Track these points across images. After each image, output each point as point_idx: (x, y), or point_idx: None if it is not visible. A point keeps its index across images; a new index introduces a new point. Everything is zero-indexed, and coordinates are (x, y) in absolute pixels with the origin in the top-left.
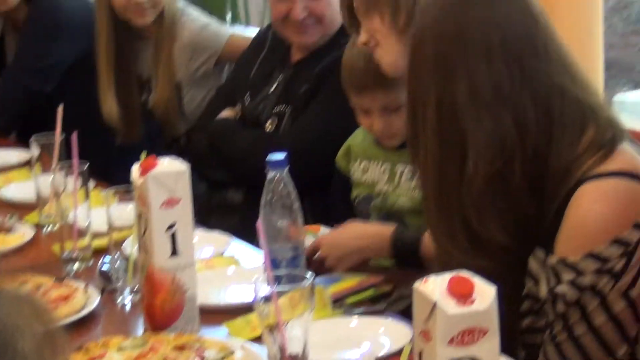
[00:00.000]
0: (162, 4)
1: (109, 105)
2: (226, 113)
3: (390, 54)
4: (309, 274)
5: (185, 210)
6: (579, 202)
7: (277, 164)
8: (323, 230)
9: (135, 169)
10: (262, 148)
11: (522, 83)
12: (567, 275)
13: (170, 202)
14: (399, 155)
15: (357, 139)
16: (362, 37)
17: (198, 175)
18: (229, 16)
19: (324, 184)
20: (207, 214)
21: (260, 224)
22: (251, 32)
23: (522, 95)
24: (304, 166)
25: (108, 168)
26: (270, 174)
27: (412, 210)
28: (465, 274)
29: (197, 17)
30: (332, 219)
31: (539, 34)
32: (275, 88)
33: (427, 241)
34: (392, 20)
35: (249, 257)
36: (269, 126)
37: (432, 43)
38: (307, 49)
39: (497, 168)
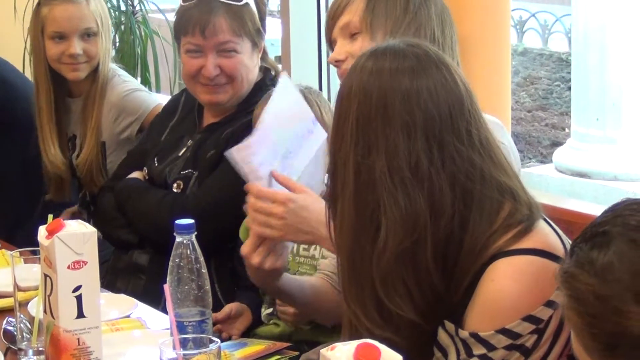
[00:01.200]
0: (96, 60)
1: (54, 156)
2: (135, 174)
3: None
4: (216, 339)
5: (91, 272)
6: (492, 278)
7: (185, 228)
8: None
9: (42, 230)
10: (167, 207)
11: (442, 164)
12: (478, 350)
13: (77, 264)
14: None
15: None
16: (339, 55)
17: (104, 236)
18: (138, 80)
19: (229, 246)
20: (114, 276)
21: (167, 288)
22: (160, 97)
23: (440, 176)
24: (208, 227)
25: (11, 228)
26: (178, 238)
27: None
28: (372, 341)
29: (128, 80)
30: (237, 283)
31: (463, 116)
32: (183, 152)
33: None
34: None
35: (155, 320)
36: (175, 189)
37: (356, 104)
38: (217, 113)
39: (407, 246)
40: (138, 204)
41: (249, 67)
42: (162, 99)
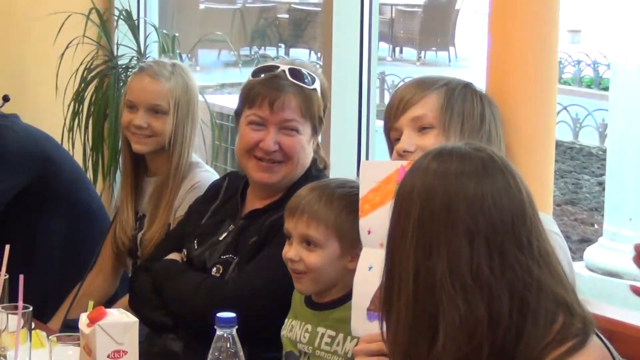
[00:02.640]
0: (162, 138)
1: (124, 231)
2: (172, 256)
3: None
4: None
5: None
6: None
7: (227, 322)
8: None
9: (84, 318)
10: (206, 292)
11: (502, 273)
12: None
13: (117, 354)
14: (321, 317)
15: (295, 296)
16: (409, 146)
17: (138, 317)
18: None
19: (264, 335)
20: None
21: None
22: None
23: (499, 284)
24: (246, 315)
25: (44, 306)
26: (219, 332)
27: None
28: None
29: (211, 178)
30: None
31: (525, 226)
32: (224, 237)
33: None
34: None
35: None
36: (214, 273)
37: (419, 204)
38: (262, 196)
39: (465, 352)
40: (175, 286)
41: (306, 151)
42: None
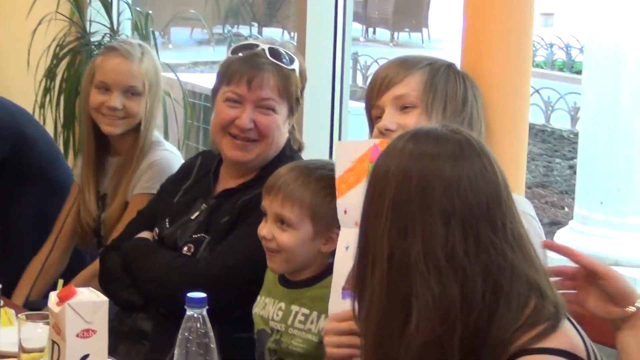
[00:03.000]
0: (135, 120)
1: (87, 212)
2: (144, 234)
3: None
4: None
5: (100, 341)
6: None
7: (197, 302)
8: None
9: (53, 296)
10: (177, 271)
11: (476, 255)
12: None
13: (86, 333)
14: (295, 296)
15: (268, 274)
16: (390, 124)
17: (108, 296)
18: None
19: (235, 315)
20: (116, 340)
21: None
22: None
23: (473, 267)
24: (217, 294)
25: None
26: (189, 312)
27: (305, 355)
28: None
29: (169, 157)
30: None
31: (500, 209)
32: (197, 216)
33: None
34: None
35: None
36: (185, 252)
37: (394, 185)
38: (235, 175)
39: (438, 334)
40: (146, 265)
41: (281, 131)
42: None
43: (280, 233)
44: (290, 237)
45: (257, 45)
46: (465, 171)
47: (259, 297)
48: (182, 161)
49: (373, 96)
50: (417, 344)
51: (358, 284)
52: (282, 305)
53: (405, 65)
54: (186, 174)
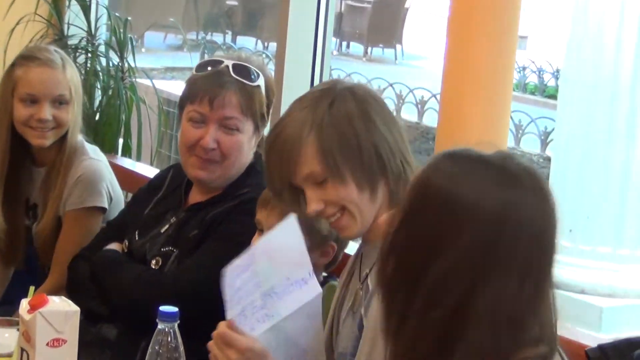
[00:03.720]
0: (64, 129)
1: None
2: (113, 246)
3: (361, 222)
4: None
5: (70, 351)
6: None
7: (169, 316)
8: None
9: (24, 304)
10: (145, 285)
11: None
12: None
13: (57, 342)
14: None
15: None
16: (317, 205)
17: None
18: (120, 142)
19: (204, 330)
20: (79, 349)
21: None
22: (140, 167)
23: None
24: (184, 308)
25: None
26: (160, 325)
27: None
28: None
29: (94, 158)
30: None
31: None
32: (166, 229)
33: None
34: (371, 192)
35: None
36: (153, 265)
37: (480, 226)
38: (204, 191)
39: None
40: (115, 277)
41: (245, 150)
42: (141, 168)
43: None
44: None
45: (222, 62)
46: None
47: None
48: (107, 164)
49: (284, 178)
50: None
51: (397, 312)
52: None
53: (292, 135)
54: (158, 186)
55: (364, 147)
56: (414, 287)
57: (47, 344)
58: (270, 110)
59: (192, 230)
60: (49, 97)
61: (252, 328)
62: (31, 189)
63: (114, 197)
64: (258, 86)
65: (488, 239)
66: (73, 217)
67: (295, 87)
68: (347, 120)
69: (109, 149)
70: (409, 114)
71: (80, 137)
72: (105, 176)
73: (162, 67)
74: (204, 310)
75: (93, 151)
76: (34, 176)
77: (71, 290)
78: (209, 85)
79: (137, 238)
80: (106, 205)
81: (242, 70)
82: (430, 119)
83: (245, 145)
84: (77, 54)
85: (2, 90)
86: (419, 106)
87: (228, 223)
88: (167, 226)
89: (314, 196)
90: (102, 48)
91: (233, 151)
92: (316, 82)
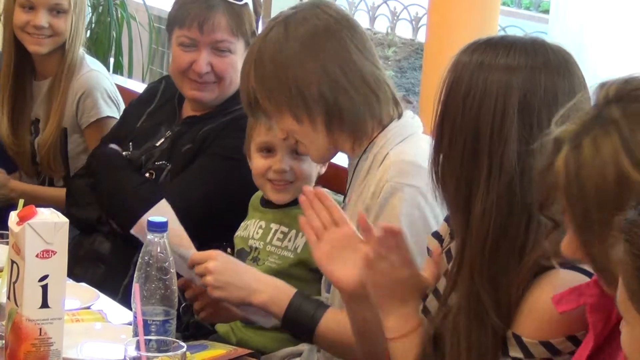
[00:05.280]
0: (61, 38)
1: (6, 136)
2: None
3: (316, 149)
4: (182, 344)
5: (60, 263)
6: (547, 287)
7: (158, 227)
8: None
9: (13, 216)
10: (142, 197)
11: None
12: (515, 352)
13: (46, 254)
14: (279, 215)
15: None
16: (279, 133)
17: (71, 214)
18: (111, 62)
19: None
20: (72, 263)
21: (137, 287)
22: (132, 83)
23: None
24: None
25: None
26: (149, 236)
27: (280, 271)
28: None
29: (95, 69)
30: None
31: None
32: (161, 143)
33: (327, 322)
34: (310, 123)
35: (116, 313)
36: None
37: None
38: (197, 107)
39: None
40: (113, 181)
41: (239, 69)
42: (133, 85)
43: (298, 163)
44: (308, 165)
45: None
46: None
47: (242, 223)
48: (107, 74)
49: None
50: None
51: (464, 187)
52: (262, 223)
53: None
54: (150, 98)
55: (286, 82)
56: (476, 160)
57: (37, 256)
58: (259, 24)
59: (186, 144)
60: (45, 4)
61: None
62: (32, 103)
63: (119, 106)
64: (246, 4)
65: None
66: (94, 130)
67: None
68: (271, 56)
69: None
70: (403, 31)
71: (81, 50)
72: (108, 86)
73: None
74: (198, 228)
75: (93, 63)
76: (35, 90)
77: (70, 205)
78: (197, 8)
79: (131, 149)
80: (117, 116)
81: None
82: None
83: (239, 65)
84: None
85: None
86: (414, 23)
87: (222, 139)
88: (162, 140)
89: (277, 125)
90: None
91: (227, 72)
92: None
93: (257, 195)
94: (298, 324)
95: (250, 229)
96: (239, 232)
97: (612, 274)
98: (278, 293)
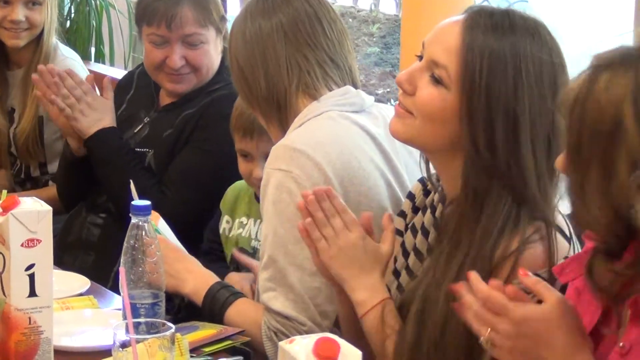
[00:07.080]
0: (38, 30)
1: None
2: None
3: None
4: (170, 325)
5: (45, 251)
6: None
7: (141, 210)
8: (162, 223)
9: None
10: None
11: None
12: None
13: (31, 242)
14: None
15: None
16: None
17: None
18: (92, 51)
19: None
20: (61, 251)
21: (122, 271)
22: (113, 71)
23: None
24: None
25: None
26: (134, 220)
27: None
28: (332, 336)
29: (69, 57)
30: None
31: None
32: (140, 129)
33: (232, 311)
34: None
35: (107, 299)
36: None
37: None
38: (173, 95)
39: None
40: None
41: (213, 57)
42: (115, 73)
43: None
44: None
45: None
46: None
47: (225, 219)
48: (82, 63)
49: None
50: None
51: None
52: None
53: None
54: (128, 84)
55: (244, 71)
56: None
57: (22, 245)
58: (227, 2)
59: (166, 129)
60: None
61: None
62: (7, 93)
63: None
64: None
65: None
66: None
67: None
68: (235, 48)
69: (81, 56)
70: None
71: (54, 39)
72: (83, 74)
73: None
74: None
75: (67, 51)
76: (9, 80)
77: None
78: (163, 6)
79: None
80: None
81: None
82: None
83: (212, 52)
84: None
85: None
86: None
87: (202, 129)
88: (141, 126)
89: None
90: None
91: (202, 62)
92: None
93: (245, 191)
94: (212, 313)
95: (252, 229)
96: (234, 232)
97: (588, 207)
98: (200, 283)
